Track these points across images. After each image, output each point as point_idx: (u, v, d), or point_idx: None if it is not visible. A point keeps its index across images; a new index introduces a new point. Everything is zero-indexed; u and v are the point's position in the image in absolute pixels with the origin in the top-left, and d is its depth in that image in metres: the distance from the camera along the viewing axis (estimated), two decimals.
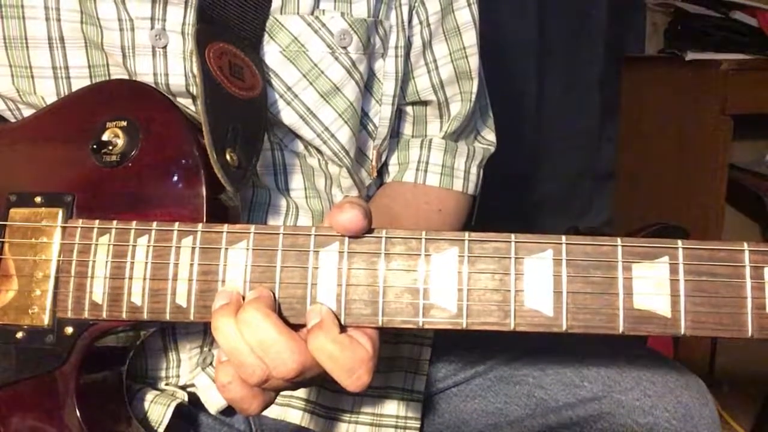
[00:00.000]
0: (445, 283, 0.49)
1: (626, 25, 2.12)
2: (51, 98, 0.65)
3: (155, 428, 0.64)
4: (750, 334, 0.45)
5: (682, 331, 0.45)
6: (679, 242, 0.46)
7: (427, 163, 0.83)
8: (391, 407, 0.77)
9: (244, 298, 0.51)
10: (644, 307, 0.46)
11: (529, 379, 0.80)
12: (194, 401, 0.70)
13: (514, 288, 0.48)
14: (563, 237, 0.48)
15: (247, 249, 0.52)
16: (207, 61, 0.61)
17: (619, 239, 0.47)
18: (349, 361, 0.48)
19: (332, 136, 0.71)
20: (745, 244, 0.45)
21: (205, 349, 0.69)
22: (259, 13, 0.67)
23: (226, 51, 0.63)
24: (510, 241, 0.48)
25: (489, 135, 0.92)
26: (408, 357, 0.80)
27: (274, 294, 0.51)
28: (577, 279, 0.47)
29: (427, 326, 0.49)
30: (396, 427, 0.77)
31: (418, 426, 0.78)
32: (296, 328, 0.51)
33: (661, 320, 0.46)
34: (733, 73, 1.74)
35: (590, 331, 0.47)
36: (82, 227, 0.57)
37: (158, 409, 0.65)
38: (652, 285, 0.46)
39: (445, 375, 0.83)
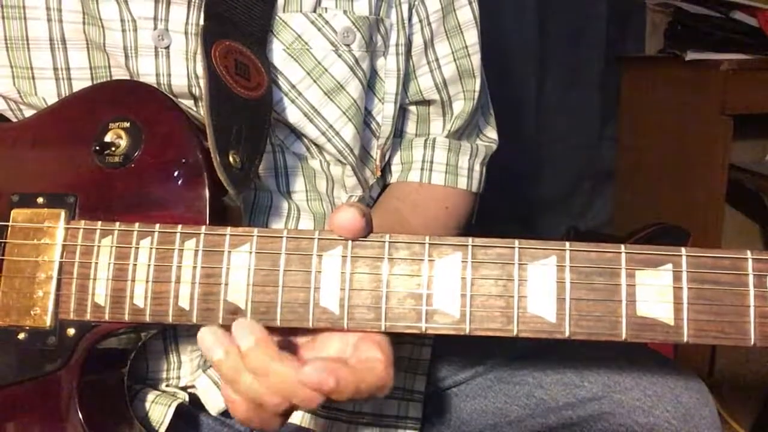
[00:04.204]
0: (448, 288, 0.49)
1: (626, 25, 2.12)
2: (52, 99, 0.65)
3: (156, 428, 0.64)
4: (753, 342, 0.45)
5: (685, 339, 0.46)
6: (683, 250, 0.46)
7: (431, 162, 0.83)
8: (391, 407, 0.77)
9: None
10: (647, 314, 0.46)
11: (529, 379, 0.80)
12: (195, 402, 0.70)
13: (517, 294, 0.48)
14: (567, 243, 0.48)
15: (250, 252, 0.52)
16: (212, 60, 0.61)
17: (623, 246, 0.47)
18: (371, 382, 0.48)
19: (336, 133, 0.71)
20: (749, 252, 0.46)
21: None
22: (263, 10, 0.67)
23: (232, 49, 0.63)
24: (514, 247, 0.48)
25: (491, 132, 0.92)
26: (408, 357, 0.80)
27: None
28: (580, 286, 0.47)
29: (430, 332, 0.49)
30: (396, 427, 0.78)
31: (418, 426, 0.78)
32: (297, 331, 0.51)
33: (663, 328, 0.46)
34: (733, 73, 1.74)
35: (593, 337, 0.47)
36: (84, 228, 0.57)
37: (159, 409, 0.65)
38: (655, 292, 0.46)
39: (445, 375, 0.83)
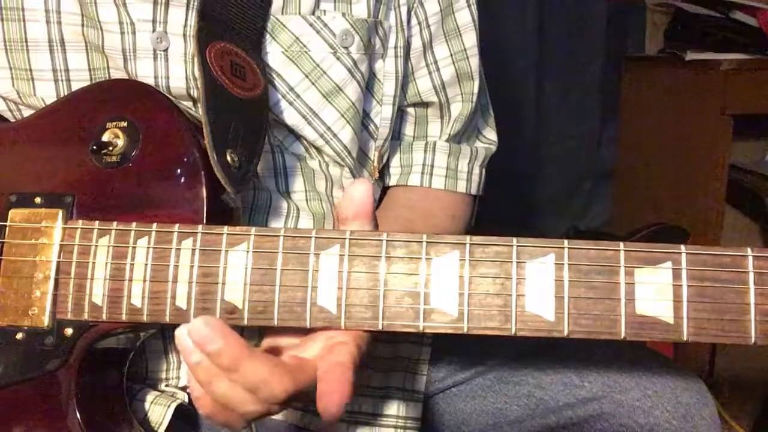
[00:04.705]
0: (446, 287, 0.49)
1: (626, 25, 2.11)
2: (51, 101, 0.65)
3: (155, 429, 0.64)
4: (753, 340, 0.45)
5: (685, 337, 0.45)
6: (682, 247, 0.46)
7: (432, 166, 0.83)
8: (391, 407, 0.77)
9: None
10: (646, 312, 0.46)
11: (529, 379, 0.80)
12: None
13: (515, 292, 0.48)
14: (565, 241, 0.48)
15: (248, 251, 0.52)
16: (208, 60, 0.61)
17: (621, 244, 0.47)
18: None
19: (335, 136, 0.71)
20: (749, 250, 0.45)
21: None
22: (261, 13, 0.67)
23: (227, 51, 0.63)
24: (512, 245, 0.48)
25: (490, 134, 0.92)
26: (408, 357, 0.80)
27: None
28: (579, 284, 0.47)
29: (428, 330, 0.49)
30: (396, 427, 0.77)
31: (418, 426, 0.78)
32: (289, 330, 0.51)
33: (663, 326, 0.46)
34: (733, 73, 1.73)
35: (592, 336, 0.46)
36: (81, 228, 0.57)
37: (158, 409, 0.65)
38: (655, 290, 0.46)
39: (445, 375, 0.83)
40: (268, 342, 0.56)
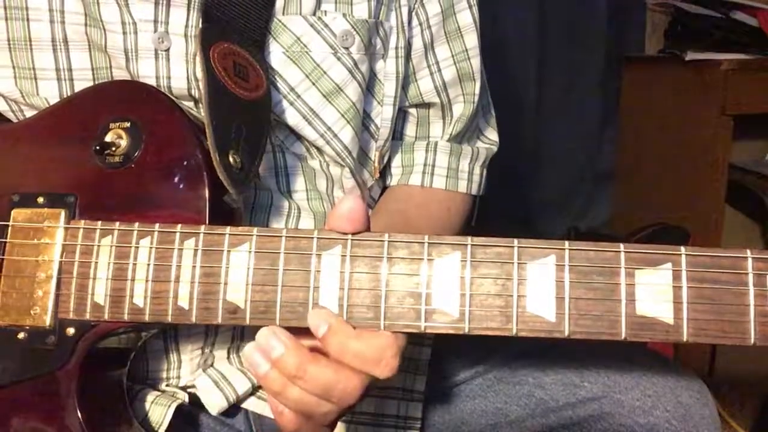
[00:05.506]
0: (447, 287, 0.49)
1: (626, 25, 2.12)
2: (54, 100, 0.65)
3: (156, 429, 0.64)
4: (752, 341, 0.45)
5: (685, 338, 0.46)
6: (682, 249, 0.46)
7: (433, 166, 0.83)
8: (391, 407, 0.78)
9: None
10: (647, 313, 0.46)
11: (529, 379, 0.80)
12: (195, 401, 0.70)
13: (516, 293, 0.48)
14: (566, 242, 0.48)
15: (250, 251, 0.52)
16: (211, 61, 0.61)
17: (621, 245, 0.47)
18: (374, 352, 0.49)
19: (335, 136, 0.71)
20: (748, 252, 0.46)
21: (206, 350, 0.69)
22: (263, 13, 0.67)
23: (230, 51, 0.63)
24: (513, 246, 0.49)
25: (491, 134, 0.92)
26: (408, 357, 0.80)
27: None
28: (579, 285, 0.47)
29: (429, 331, 0.49)
30: (396, 427, 0.78)
31: (418, 426, 0.78)
32: (295, 330, 0.51)
33: (663, 327, 0.46)
34: (733, 73, 1.74)
35: (592, 337, 0.47)
36: (84, 228, 0.57)
37: (159, 409, 0.65)
38: (655, 292, 0.46)
39: (445, 375, 0.83)
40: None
